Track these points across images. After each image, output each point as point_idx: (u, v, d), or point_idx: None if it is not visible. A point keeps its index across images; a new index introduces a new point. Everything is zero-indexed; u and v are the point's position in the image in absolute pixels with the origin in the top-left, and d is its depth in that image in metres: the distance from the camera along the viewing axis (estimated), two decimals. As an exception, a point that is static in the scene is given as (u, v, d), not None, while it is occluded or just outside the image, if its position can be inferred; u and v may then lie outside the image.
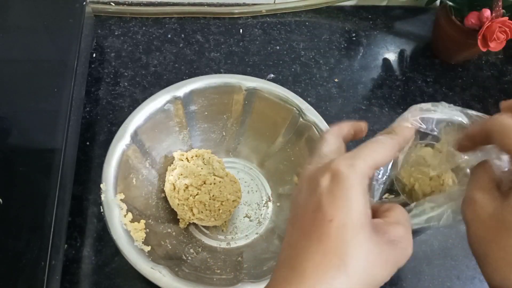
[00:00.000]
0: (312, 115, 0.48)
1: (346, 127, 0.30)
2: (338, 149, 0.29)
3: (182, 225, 0.47)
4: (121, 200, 0.41)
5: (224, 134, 0.53)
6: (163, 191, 0.47)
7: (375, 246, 0.23)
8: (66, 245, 0.45)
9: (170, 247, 0.44)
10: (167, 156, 0.50)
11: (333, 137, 0.29)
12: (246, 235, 0.49)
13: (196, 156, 0.49)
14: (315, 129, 0.48)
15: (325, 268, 0.22)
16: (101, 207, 0.40)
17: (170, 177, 0.46)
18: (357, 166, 0.24)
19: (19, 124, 0.44)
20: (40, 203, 0.39)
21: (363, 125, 0.31)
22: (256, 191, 0.52)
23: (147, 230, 0.42)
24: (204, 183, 0.46)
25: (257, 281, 0.40)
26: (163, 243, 0.44)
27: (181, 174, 0.46)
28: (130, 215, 0.41)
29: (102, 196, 0.40)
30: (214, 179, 0.46)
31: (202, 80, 0.49)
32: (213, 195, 0.45)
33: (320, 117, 0.48)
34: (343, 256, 0.22)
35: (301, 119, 0.49)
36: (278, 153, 0.52)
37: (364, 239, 0.23)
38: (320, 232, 0.23)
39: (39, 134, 0.43)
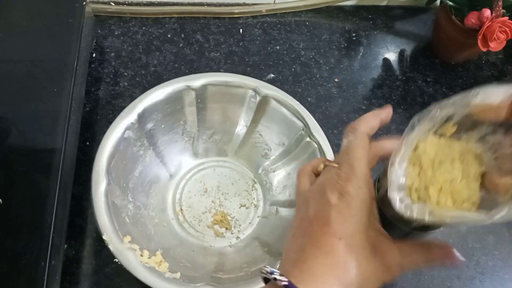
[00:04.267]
0: (269, 89, 0.49)
1: (372, 120, 0.31)
2: (362, 155, 0.30)
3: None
4: (129, 242, 0.40)
5: (186, 139, 0.52)
6: (155, 218, 0.47)
7: (372, 266, 0.28)
8: (66, 245, 0.45)
9: (190, 266, 0.44)
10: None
11: (359, 139, 0.30)
12: (250, 223, 0.49)
13: None
14: (274, 100, 0.49)
15: (332, 275, 0.27)
16: (115, 259, 0.38)
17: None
18: (363, 189, 0.28)
19: (19, 124, 0.44)
20: (40, 203, 0.39)
21: (387, 112, 0.32)
22: (240, 179, 0.52)
23: (164, 258, 0.41)
24: None
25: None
26: (181, 264, 0.43)
27: None
28: (146, 252, 0.40)
29: (110, 246, 0.38)
30: None
31: (151, 95, 0.47)
32: None
33: (276, 88, 0.49)
34: (346, 269, 0.27)
35: (258, 97, 0.49)
36: (245, 136, 0.52)
37: (364, 259, 0.27)
38: (330, 247, 0.27)
39: (39, 134, 0.43)
